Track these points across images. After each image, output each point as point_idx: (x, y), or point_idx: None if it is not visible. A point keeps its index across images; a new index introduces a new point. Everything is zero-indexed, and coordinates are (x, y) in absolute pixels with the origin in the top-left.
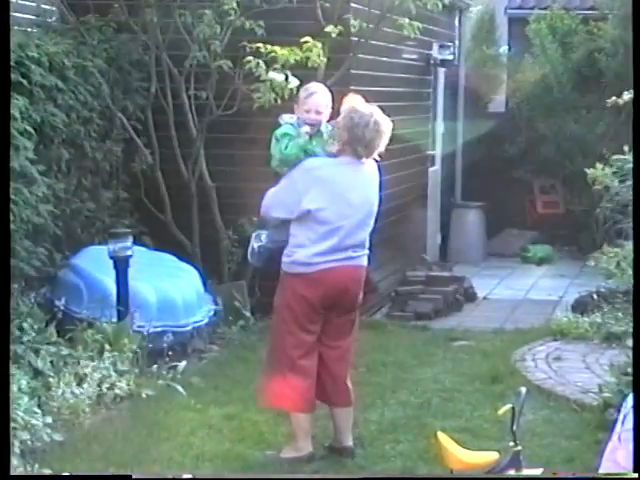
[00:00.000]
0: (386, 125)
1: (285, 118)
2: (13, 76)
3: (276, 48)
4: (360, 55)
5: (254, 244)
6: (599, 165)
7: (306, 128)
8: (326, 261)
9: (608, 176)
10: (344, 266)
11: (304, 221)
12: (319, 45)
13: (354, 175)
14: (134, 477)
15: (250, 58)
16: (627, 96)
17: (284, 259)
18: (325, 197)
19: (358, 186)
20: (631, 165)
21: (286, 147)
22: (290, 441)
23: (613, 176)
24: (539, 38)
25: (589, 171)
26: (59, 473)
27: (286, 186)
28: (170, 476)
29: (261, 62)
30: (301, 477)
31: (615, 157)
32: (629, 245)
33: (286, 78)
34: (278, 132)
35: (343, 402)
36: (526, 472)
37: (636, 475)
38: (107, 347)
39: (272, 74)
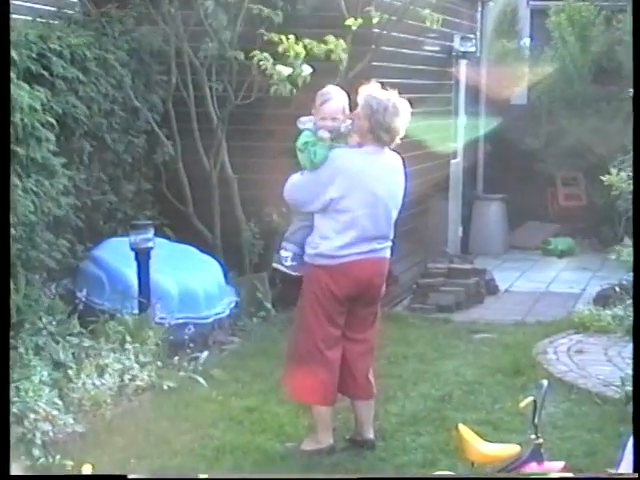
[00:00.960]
0: (405, 108)
1: (303, 121)
2: (35, 68)
3: (291, 42)
4: (382, 47)
5: (285, 263)
6: (614, 170)
7: (325, 133)
8: (350, 254)
9: (624, 181)
10: (369, 258)
11: (327, 211)
12: (342, 42)
13: (378, 164)
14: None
15: (257, 52)
16: None
17: (308, 251)
18: (347, 185)
19: (382, 175)
20: None
21: (315, 155)
22: (311, 433)
23: (628, 180)
24: (559, 30)
25: (605, 178)
26: (80, 464)
27: (311, 178)
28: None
29: (267, 55)
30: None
31: (627, 157)
32: None
33: (294, 69)
34: (299, 143)
35: (365, 395)
36: (547, 465)
37: (636, 475)
38: (129, 339)
39: (279, 67)
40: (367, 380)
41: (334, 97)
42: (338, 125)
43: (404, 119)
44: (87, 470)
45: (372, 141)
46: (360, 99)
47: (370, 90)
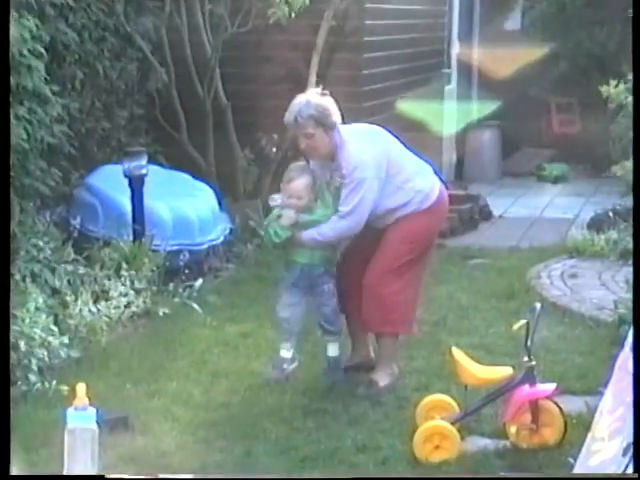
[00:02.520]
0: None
1: (274, 198)
2: None
3: None
4: None
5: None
6: (613, 82)
7: (288, 219)
8: (434, 185)
9: (622, 93)
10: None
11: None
12: None
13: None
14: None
15: None
16: None
17: (415, 201)
18: (386, 155)
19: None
20: None
21: (276, 235)
22: (383, 366)
23: (627, 92)
24: None
25: (603, 89)
26: (74, 388)
27: (371, 185)
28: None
29: None
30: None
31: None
32: None
33: None
34: (267, 219)
35: None
36: (539, 387)
37: (636, 475)
38: (124, 265)
39: None
40: None
41: (299, 176)
42: (303, 203)
43: None
44: (81, 389)
45: (335, 129)
46: (302, 124)
47: (299, 106)
